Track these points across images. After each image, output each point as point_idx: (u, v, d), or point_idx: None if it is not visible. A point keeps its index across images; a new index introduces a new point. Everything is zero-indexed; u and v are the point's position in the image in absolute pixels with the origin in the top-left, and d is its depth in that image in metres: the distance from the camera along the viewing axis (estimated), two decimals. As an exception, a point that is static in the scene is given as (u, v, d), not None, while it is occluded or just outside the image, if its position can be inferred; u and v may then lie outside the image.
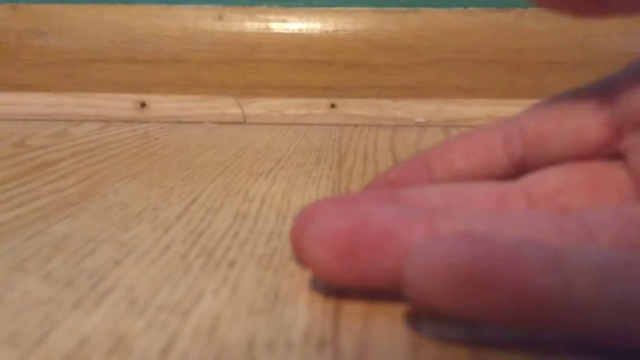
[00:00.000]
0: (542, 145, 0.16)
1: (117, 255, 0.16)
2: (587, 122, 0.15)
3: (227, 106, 0.46)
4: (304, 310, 0.13)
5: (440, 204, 0.15)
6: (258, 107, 0.46)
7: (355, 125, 0.45)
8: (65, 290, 0.14)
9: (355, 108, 0.46)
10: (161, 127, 0.43)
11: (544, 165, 0.16)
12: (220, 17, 0.48)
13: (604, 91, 0.15)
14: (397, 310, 0.13)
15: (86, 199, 0.22)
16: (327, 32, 0.47)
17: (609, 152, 0.15)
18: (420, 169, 0.18)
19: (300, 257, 0.13)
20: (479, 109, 0.44)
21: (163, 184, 0.24)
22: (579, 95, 0.16)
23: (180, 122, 0.46)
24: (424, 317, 0.12)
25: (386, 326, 0.12)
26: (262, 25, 0.48)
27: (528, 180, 0.16)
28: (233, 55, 0.48)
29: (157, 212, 0.20)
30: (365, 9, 0.48)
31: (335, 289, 0.14)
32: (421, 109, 0.45)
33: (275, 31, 0.48)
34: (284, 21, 0.48)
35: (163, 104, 0.47)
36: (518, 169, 0.17)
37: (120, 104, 0.47)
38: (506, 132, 0.17)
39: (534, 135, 0.16)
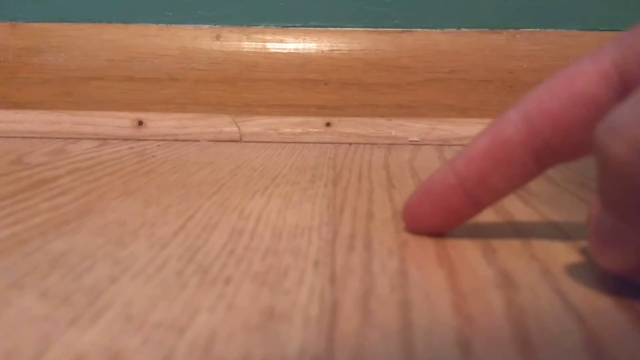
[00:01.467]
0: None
1: (114, 272, 0.16)
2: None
3: (224, 124, 0.47)
4: (298, 327, 0.13)
5: None
6: (254, 125, 0.47)
7: (350, 144, 0.46)
8: (62, 307, 0.14)
9: (350, 127, 0.47)
10: (158, 145, 0.43)
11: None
12: (218, 37, 0.49)
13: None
14: (391, 328, 0.13)
15: (83, 216, 0.22)
16: (322, 51, 0.48)
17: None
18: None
19: None
20: (472, 128, 0.45)
21: (160, 202, 0.24)
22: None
23: (177, 140, 0.46)
24: (418, 334, 0.13)
25: (380, 343, 0.12)
26: (259, 45, 0.48)
27: None
28: (230, 74, 0.48)
29: (153, 229, 0.20)
30: (361, 29, 0.49)
31: (330, 305, 0.14)
32: (415, 128, 0.46)
33: (271, 51, 0.48)
34: (281, 41, 0.48)
35: (160, 122, 0.47)
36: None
37: (118, 122, 0.47)
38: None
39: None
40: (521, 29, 0.48)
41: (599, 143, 0.13)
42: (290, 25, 0.49)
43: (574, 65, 0.17)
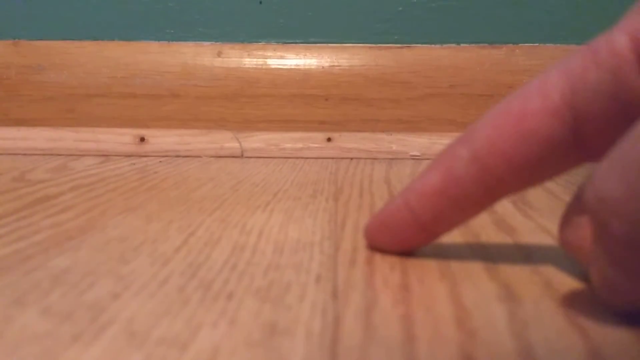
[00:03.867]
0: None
1: (116, 289, 0.16)
2: None
3: (225, 140, 0.47)
4: (301, 342, 0.13)
5: None
6: (255, 141, 0.47)
7: (351, 159, 0.46)
8: (64, 324, 0.14)
9: (351, 142, 0.47)
10: (160, 161, 0.43)
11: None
12: (219, 54, 0.49)
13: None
14: (394, 343, 0.13)
15: (85, 233, 0.22)
16: (323, 67, 0.48)
17: None
18: None
19: None
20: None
21: (162, 218, 0.24)
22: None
23: (178, 156, 0.46)
24: (420, 349, 0.12)
25: (383, 357, 0.12)
26: (260, 61, 0.49)
27: None
28: (231, 90, 0.49)
29: (155, 245, 0.20)
30: (361, 45, 0.49)
31: (332, 320, 0.14)
32: (416, 143, 0.46)
33: (272, 67, 0.49)
34: (281, 57, 0.49)
35: (162, 139, 0.47)
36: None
37: (120, 138, 0.47)
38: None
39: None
40: (520, 44, 0.48)
41: (592, 212, 0.13)
42: (290, 41, 0.49)
43: (519, 98, 0.16)
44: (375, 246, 0.20)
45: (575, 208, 0.16)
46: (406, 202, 0.18)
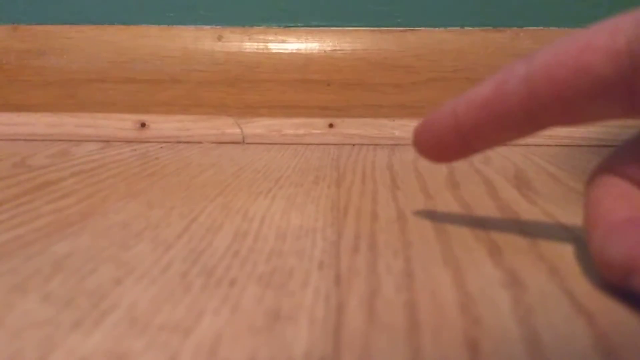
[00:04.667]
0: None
1: (118, 275, 0.16)
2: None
3: (226, 126, 0.47)
4: (304, 328, 0.13)
5: None
6: (257, 127, 0.47)
7: (354, 145, 0.46)
8: (66, 310, 0.14)
9: (353, 127, 0.47)
10: (161, 147, 0.43)
11: None
12: (220, 38, 0.49)
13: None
14: (397, 329, 0.13)
15: (87, 219, 0.22)
16: (325, 51, 0.48)
17: None
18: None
19: None
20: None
21: (163, 204, 0.24)
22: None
23: (179, 142, 0.46)
24: (424, 335, 0.12)
25: (386, 344, 0.12)
26: (261, 45, 0.48)
27: None
28: (232, 75, 0.48)
29: (157, 231, 0.20)
30: (363, 28, 0.48)
31: (335, 307, 0.14)
32: (419, 128, 0.46)
33: (274, 51, 0.48)
34: (283, 41, 0.48)
35: (163, 124, 0.47)
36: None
37: (121, 124, 0.47)
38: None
39: None
40: (525, 27, 0.48)
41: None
42: (292, 25, 0.49)
43: (588, 32, 0.16)
44: (418, 148, 0.20)
45: (605, 166, 0.17)
46: (454, 108, 0.18)
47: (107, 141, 0.46)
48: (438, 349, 0.12)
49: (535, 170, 0.33)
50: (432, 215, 0.23)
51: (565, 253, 0.18)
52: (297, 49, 0.48)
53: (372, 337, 0.12)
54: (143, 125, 0.47)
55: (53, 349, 0.12)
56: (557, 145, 0.45)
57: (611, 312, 0.14)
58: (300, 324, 0.13)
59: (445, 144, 0.19)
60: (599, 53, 0.15)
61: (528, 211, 0.23)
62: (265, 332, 0.12)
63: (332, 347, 0.12)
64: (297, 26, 0.49)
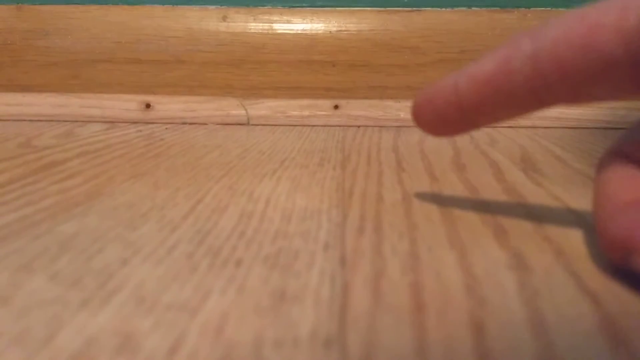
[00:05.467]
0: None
1: (124, 255, 0.16)
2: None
3: (231, 107, 0.47)
4: (310, 308, 0.13)
5: None
6: (262, 108, 0.47)
7: (359, 126, 0.45)
8: (73, 289, 0.14)
9: (358, 109, 0.46)
10: (166, 128, 0.43)
11: None
12: (225, 18, 0.48)
13: None
14: (403, 310, 0.13)
15: (93, 199, 0.22)
16: (330, 32, 0.48)
17: None
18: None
19: None
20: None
21: (169, 184, 0.24)
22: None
23: (185, 123, 0.46)
24: (430, 316, 0.12)
25: (392, 325, 0.12)
26: (266, 25, 0.48)
27: None
28: (237, 56, 0.48)
29: (163, 212, 0.20)
30: (369, 9, 0.48)
31: (341, 288, 0.14)
32: (425, 110, 0.45)
33: (279, 32, 0.48)
34: (288, 22, 0.48)
35: (168, 105, 0.47)
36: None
37: (126, 104, 0.47)
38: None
39: None
40: (532, 8, 0.47)
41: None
42: (297, 5, 0.48)
43: (598, 8, 0.15)
44: (418, 122, 0.19)
45: (614, 149, 0.17)
46: (455, 82, 0.18)
47: (112, 122, 0.46)
48: (443, 330, 0.12)
49: (542, 152, 0.33)
50: (437, 197, 0.23)
51: (571, 235, 0.18)
52: (303, 30, 0.48)
53: (377, 318, 0.12)
54: (148, 106, 0.47)
55: (60, 328, 0.12)
56: (563, 128, 0.45)
57: (617, 294, 0.14)
58: (306, 305, 0.13)
59: (446, 119, 0.18)
60: (609, 32, 0.14)
61: (534, 193, 0.23)
62: (271, 312, 0.13)
63: (338, 327, 0.12)
64: (302, 6, 0.48)
